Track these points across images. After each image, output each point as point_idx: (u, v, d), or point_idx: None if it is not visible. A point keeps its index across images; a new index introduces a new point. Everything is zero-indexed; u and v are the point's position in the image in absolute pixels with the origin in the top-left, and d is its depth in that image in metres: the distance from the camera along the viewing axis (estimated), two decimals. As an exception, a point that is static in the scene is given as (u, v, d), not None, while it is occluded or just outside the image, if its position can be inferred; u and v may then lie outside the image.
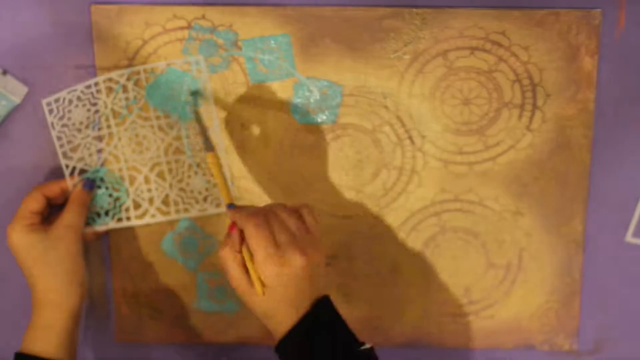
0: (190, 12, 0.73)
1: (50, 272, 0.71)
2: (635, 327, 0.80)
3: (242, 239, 0.65)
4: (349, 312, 0.79)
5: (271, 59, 0.74)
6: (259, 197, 0.77)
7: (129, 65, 0.74)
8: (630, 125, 0.75)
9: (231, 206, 0.68)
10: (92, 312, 0.80)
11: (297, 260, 0.63)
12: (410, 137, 0.75)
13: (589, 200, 0.77)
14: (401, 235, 0.78)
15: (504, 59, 0.73)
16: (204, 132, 0.72)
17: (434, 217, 0.77)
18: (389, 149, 0.76)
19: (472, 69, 0.74)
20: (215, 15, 0.73)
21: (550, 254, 0.78)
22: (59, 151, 0.74)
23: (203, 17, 0.73)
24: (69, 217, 0.72)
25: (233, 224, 0.66)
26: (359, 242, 0.78)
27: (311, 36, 0.73)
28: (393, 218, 0.77)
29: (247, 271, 0.65)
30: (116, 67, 0.74)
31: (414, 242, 0.78)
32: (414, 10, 0.72)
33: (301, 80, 0.74)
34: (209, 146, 0.72)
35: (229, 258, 0.65)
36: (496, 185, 0.76)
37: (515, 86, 0.74)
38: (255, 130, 0.75)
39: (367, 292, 0.79)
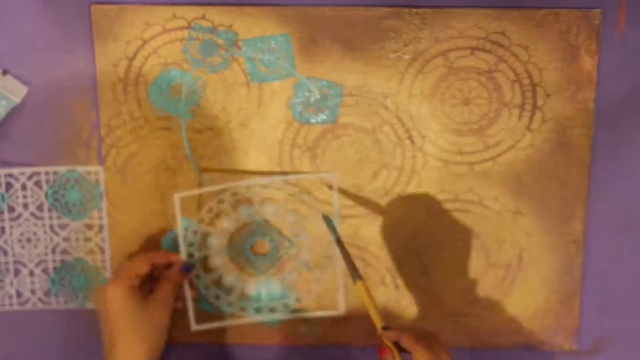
0: (190, 12, 0.73)
1: (137, 339, 0.70)
2: (635, 327, 0.80)
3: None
4: (349, 313, 0.79)
5: (271, 59, 0.74)
6: (257, 196, 0.77)
7: (129, 65, 0.74)
8: (630, 125, 0.75)
9: (385, 329, 0.68)
10: (92, 312, 0.80)
11: None
12: (410, 137, 0.75)
13: (589, 200, 0.77)
14: (401, 235, 0.78)
15: (504, 59, 0.73)
16: (348, 260, 0.71)
17: (434, 217, 0.77)
18: (389, 149, 0.76)
19: (472, 69, 0.74)
20: (215, 15, 0.73)
21: (550, 254, 0.78)
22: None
23: (203, 17, 0.73)
24: (167, 291, 0.74)
25: (383, 348, 0.67)
26: (359, 242, 0.78)
27: (311, 36, 0.73)
28: (393, 218, 0.77)
29: None
30: (116, 67, 0.74)
31: (414, 242, 0.78)
32: (414, 10, 0.72)
33: (301, 80, 0.74)
34: (355, 275, 0.70)
35: None
36: (496, 185, 0.76)
37: (515, 86, 0.74)
38: (255, 130, 0.75)
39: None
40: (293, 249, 0.77)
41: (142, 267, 0.73)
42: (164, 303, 0.73)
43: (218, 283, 0.78)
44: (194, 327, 0.78)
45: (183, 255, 0.77)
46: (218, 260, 0.78)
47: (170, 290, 0.74)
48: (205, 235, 0.77)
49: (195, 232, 0.77)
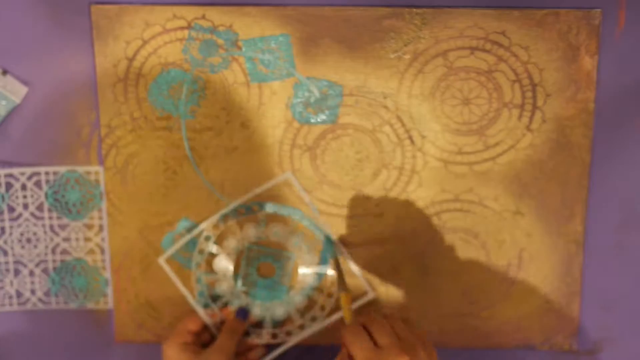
0: (190, 12, 0.73)
1: None
2: (635, 327, 0.80)
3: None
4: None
5: (271, 59, 0.74)
6: (257, 196, 0.77)
7: (129, 65, 0.74)
8: (630, 125, 0.75)
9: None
10: (92, 312, 0.80)
11: None
12: (410, 137, 0.75)
13: (589, 200, 0.77)
14: (401, 235, 0.78)
15: (504, 59, 0.73)
16: (340, 275, 0.74)
17: (434, 217, 0.77)
18: (389, 149, 0.76)
19: (472, 69, 0.74)
20: (215, 15, 0.73)
21: (550, 254, 0.78)
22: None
23: (203, 17, 0.73)
24: (222, 342, 0.75)
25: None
26: (358, 242, 0.78)
27: (311, 36, 0.73)
28: (393, 218, 0.77)
29: None
30: (116, 67, 0.74)
31: (414, 242, 0.78)
32: (414, 10, 0.72)
33: (301, 80, 0.74)
34: (342, 287, 0.72)
35: None
36: (496, 185, 0.76)
37: (515, 86, 0.74)
38: (255, 130, 0.75)
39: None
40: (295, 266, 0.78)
41: (192, 324, 0.76)
42: (224, 354, 0.73)
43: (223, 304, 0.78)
44: None
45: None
46: (224, 285, 0.78)
47: (229, 339, 0.75)
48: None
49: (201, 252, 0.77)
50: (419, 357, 0.64)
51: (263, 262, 0.78)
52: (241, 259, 0.78)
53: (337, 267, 0.75)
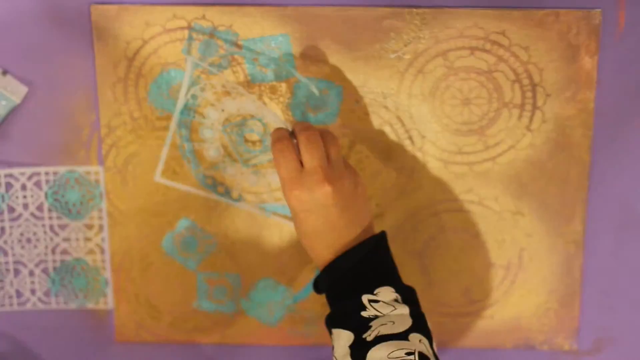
0: (190, 12, 0.73)
1: None
2: (635, 327, 0.80)
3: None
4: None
5: (271, 59, 0.74)
6: (257, 196, 0.77)
7: (129, 65, 0.74)
8: (630, 125, 0.75)
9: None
10: (92, 312, 0.80)
11: (321, 190, 0.62)
12: (410, 137, 0.75)
13: (589, 200, 0.77)
14: (401, 235, 0.78)
15: (504, 59, 0.73)
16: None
17: (434, 217, 0.77)
18: (389, 149, 0.76)
19: (472, 69, 0.74)
20: (215, 15, 0.73)
21: (550, 254, 0.78)
22: None
23: (203, 17, 0.73)
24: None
25: (280, 129, 0.67)
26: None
27: (311, 36, 0.73)
28: (393, 218, 0.77)
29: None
30: (116, 67, 0.74)
31: (414, 242, 0.78)
32: (414, 10, 0.72)
33: (301, 80, 0.74)
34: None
35: (290, 150, 0.64)
36: (496, 185, 0.76)
37: (515, 86, 0.74)
38: (255, 130, 0.75)
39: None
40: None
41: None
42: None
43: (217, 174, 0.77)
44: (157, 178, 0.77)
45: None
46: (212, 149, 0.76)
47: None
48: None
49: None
50: (343, 187, 0.63)
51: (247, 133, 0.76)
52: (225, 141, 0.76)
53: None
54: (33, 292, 0.80)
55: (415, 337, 0.61)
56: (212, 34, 0.73)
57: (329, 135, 0.67)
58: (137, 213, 0.78)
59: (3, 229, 0.78)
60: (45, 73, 0.75)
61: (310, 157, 0.64)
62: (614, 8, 0.72)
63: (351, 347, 0.61)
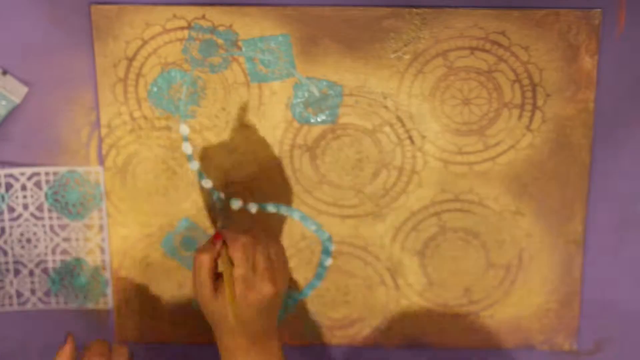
0: (190, 12, 0.73)
1: None
2: (635, 327, 0.80)
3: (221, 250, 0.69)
4: (349, 313, 0.79)
5: (271, 59, 0.74)
6: (256, 196, 0.77)
7: (129, 65, 0.74)
8: (630, 125, 0.75)
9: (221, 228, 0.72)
10: (92, 312, 0.80)
11: (267, 289, 0.67)
12: (410, 137, 0.75)
13: (589, 200, 0.76)
14: (401, 235, 0.78)
15: (504, 59, 0.73)
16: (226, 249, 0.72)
17: (434, 217, 0.77)
18: (389, 149, 0.76)
19: (472, 69, 0.74)
20: (215, 15, 0.73)
21: (550, 254, 0.78)
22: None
23: (203, 17, 0.73)
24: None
25: (218, 235, 0.70)
26: (359, 242, 0.78)
27: (311, 36, 0.73)
28: (393, 218, 0.77)
29: (215, 280, 0.69)
30: (116, 67, 0.74)
31: (414, 242, 0.78)
32: (414, 10, 0.72)
33: (301, 80, 0.74)
34: (227, 261, 0.71)
35: (205, 264, 0.69)
36: (496, 185, 0.76)
37: (515, 86, 0.74)
38: (256, 130, 0.75)
39: (366, 292, 0.79)
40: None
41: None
42: None
43: None
44: None
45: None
46: None
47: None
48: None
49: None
50: (281, 290, 0.70)
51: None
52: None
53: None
54: (33, 292, 0.80)
55: None
56: (212, 34, 0.73)
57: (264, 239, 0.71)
58: (137, 213, 0.78)
59: (3, 229, 0.78)
60: (45, 73, 0.75)
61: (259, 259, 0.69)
62: (614, 8, 0.72)
63: None
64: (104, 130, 0.76)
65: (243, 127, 0.75)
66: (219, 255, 0.69)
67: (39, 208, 0.78)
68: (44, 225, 0.78)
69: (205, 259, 0.69)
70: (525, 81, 0.74)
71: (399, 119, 0.75)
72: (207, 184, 0.76)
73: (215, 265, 0.69)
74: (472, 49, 0.73)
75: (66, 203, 0.78)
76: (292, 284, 0.79)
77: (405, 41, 0.73)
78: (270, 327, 0.70)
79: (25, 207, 0.78)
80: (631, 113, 0.75)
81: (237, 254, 0.68)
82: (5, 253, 0.79)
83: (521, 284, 0.79)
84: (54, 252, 0.79)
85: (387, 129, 0.75)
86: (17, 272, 0.80)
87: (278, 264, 0.70)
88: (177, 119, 0.75)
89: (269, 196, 0.77)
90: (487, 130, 0.75)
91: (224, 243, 0.69)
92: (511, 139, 0.75)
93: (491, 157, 0.76)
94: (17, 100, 0.75)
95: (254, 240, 0.69)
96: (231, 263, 0.68)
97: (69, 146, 0.76)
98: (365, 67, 0.74)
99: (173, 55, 0.74)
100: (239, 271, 0.67)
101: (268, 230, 0.77)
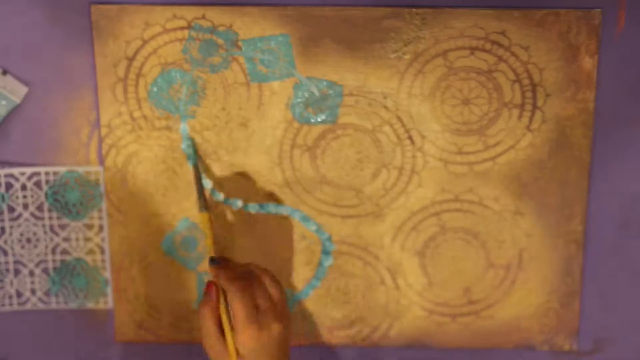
0: (190, 12, 0.73)
1: None
2: (635, 327, 0.80)
3: (219, 298, 0.68)
4: (349, 313, 0.79)
5: (271, 59, 0.74)
6: (257, 196, 0.77)
7: (129, 65, 0.74)
8: (630, 125, 0.75)
9: (214, 262, 0.69)
10: (92, 312, 0.80)
11: (275, 327, 0.66)
12: (410, 137, 0.75)
13: (589, 200, 0.77)
14: (401, 235, 0.78)
15: (504, 59, 0.73)
16: (200, 190, 0.73)
17: (434, 217, 0.77)
18: (389, 149, 0.76)
19: (472, 69, 0.74)
20: (215, 15, 0.73)
21: (550, 254, 0.78)
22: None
23: (203, 17, 0.73)
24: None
25: (211, 283, 0.68)
26: (359, 242, 0.78)
27: (311, 36, 0.73)
28: (393, 218, 0.77)
29: (221, 331, 0.67)
30: (116, 67, 0.74)
31: (414, 242, 0.78)
32: (414, 10, 0.72)
33: (301, 80, 0.74)
34: (203, 205, 0.71)
35: (207, 316, 0.67)
36: (496, 185, 0.76)
37: (515, 86, 0.74)
38: (255, 130, 0.75)
39: (367, 292, 0.79)
40: None
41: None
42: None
43: None
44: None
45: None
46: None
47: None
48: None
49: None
50: (288, 327, 0.68)
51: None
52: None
53: (197, 178, 0.72)
54: (33, 292, 0.80)
55: None
56: (212, 33, 0.73)
57: (265, 276, 0.70)
58: (137, 213, 0.78)
59: (3, 229, 0.78)
60: (45, 73, 0.75)
61: (261, 297, 0.67)
62: (614, 8, 0.72)
63: None
64: (104, 130, 0.76)
65: (243, 127, 0.75)
66: (219, 302, 0.68)
67: (39, 208, 0.78)
68: (44, 225, 0.78)
69: (207, 312, 0.67)
70: (525, 81, 0.74)
71: (399, 118, 0.75)
72: (207, 184, 0.76)
73: (219, 314, 0.68)
74: (472, 49, 0.73)
75: (66, 203, 0.78)
76: (292, 285, 0.79)
77: (405, 41, 0.73)
78: None
79: (25, 207, 0.78)
80: (631, 113, 0.75)
81: (235, 302, 0.66)
82: (5, 253, 0.79)
83: (521, 284, 0.79)
84: (54, 252, 0.79)
85: (387, 128, 0.75)
86: (17, 272, 0.80)
87: (278, 298, 0.68)
88: (177, 119, 0.75)
89: (269, 196, 0.77)
90: (487, 130, 0.75)
91: (223, 290, 0.68)
92: (511, 139, 0.75)
93: (491, 157, 0.76)
94: (17, 100, 0.75)
95: (249, 281, 0.67)
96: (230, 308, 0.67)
97: (69, 146, 0.76)
98: (365, 67, 0.74)
99: (173, 55, 0.74)
100: (238, 319, 0.66)
101: (268, 231, 0.77)
